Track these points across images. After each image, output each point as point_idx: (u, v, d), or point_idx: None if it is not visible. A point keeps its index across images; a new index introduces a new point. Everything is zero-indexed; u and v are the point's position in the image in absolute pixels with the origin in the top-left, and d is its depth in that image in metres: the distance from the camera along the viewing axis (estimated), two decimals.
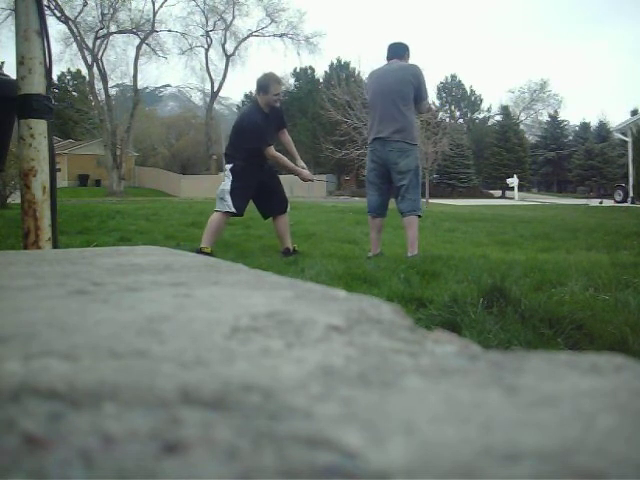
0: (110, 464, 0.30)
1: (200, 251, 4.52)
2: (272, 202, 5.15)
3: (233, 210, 4.85)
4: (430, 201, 22.37)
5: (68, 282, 0.86)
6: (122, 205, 16.02)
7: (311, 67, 47.45)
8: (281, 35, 39.84)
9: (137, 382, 0.40)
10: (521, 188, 40.52)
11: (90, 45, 33.31)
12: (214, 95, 42.26)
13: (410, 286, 3.21)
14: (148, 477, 0.29)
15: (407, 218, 4.84)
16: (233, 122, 5.40)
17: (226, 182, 4.92)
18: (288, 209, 5.19)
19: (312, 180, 5.55)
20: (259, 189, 5.03)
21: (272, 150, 4.98)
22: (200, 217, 9.95)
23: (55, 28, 33.51)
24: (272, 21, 39.38)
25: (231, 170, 4.92)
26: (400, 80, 4.82)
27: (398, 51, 5.04)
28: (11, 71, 2.79)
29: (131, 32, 35.07)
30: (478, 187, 43.16)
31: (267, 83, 5.00)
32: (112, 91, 36.03)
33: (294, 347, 0.50)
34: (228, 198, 4.84)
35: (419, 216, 4.88)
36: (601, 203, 23.92)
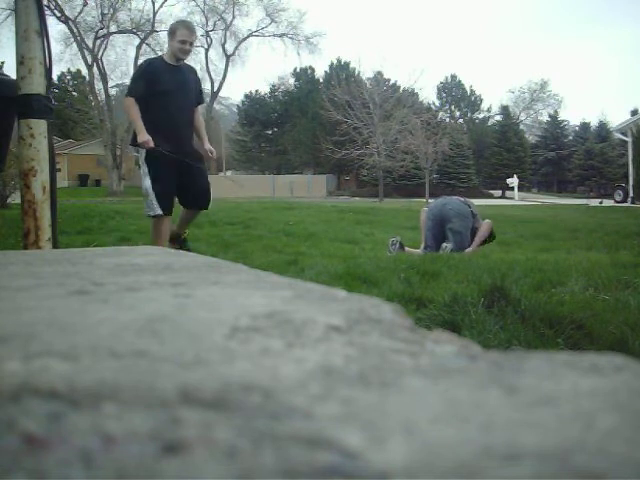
0: (110, 464, 0.30)
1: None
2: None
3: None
4: (430, 201, 22.33)
5: (68, 282, 0.86)
6: (122, 205, 15.99)
7: (311, 67, 47.41)
8: (281, 35, 39.78)
9: (137, 382, 0.40)
10: (521, 188, 40.49)
11: (90, 45, 33.26)
12: (214, 95, 42.22)
13: (410, 286, 3.21)
14: (148, 477, 0.29)
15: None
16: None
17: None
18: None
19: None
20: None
21: (129, 101, 4.43)
22: (199, 217, 9.91)
23: (55, 28, 33.46)
24: (272, 21, 39.31)
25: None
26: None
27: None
28: (11, 71, 2.79)
29: (131, 32, 34.99)
30: (478, 187, 43.12)
31: (175, 27, 4.31)
32: (112, 91, 35.86)
33: (294, 347, 0.50)
34: None
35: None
36: (601, 203, 23.89)
